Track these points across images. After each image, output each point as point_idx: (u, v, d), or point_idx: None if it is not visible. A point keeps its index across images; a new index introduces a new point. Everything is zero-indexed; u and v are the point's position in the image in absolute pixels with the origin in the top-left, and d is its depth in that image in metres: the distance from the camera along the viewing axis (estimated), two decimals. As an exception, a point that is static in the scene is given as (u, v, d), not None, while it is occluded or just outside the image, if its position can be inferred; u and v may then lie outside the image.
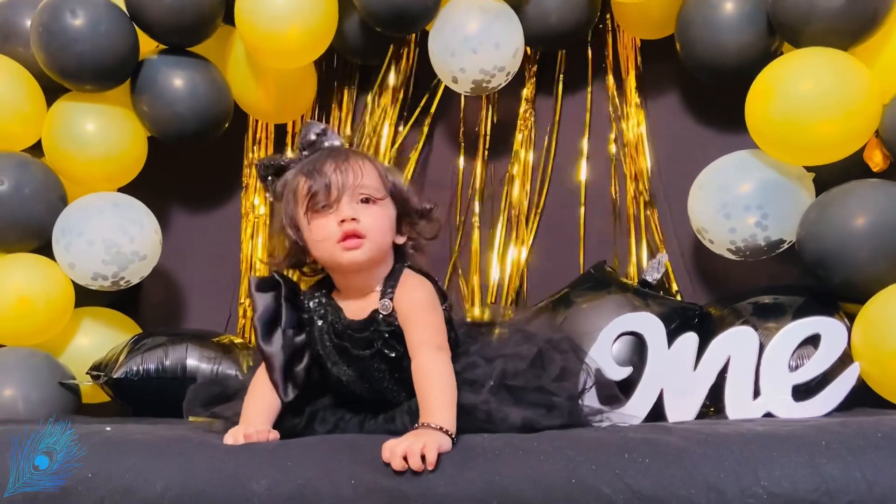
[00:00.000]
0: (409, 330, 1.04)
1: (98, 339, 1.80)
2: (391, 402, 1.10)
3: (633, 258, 1.83)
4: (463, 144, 1.94)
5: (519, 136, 1.91)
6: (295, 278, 1.15)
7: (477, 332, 1.19)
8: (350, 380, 1.09)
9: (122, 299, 1.91)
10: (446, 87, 1.77)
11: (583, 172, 1.89)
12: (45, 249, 1.72)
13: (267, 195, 1.14)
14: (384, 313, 1.06)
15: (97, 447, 0.98)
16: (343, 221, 1.04)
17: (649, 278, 1.72)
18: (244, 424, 1.03)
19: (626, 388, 1.40)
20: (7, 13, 1.78)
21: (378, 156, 1.92)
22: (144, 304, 2.00)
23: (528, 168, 1.91)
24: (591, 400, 1.21)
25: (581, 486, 0.84)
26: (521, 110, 1.92)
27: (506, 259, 1.89)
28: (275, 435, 1.02)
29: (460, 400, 1.01)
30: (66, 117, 1.74)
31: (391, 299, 1.06)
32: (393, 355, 1.06)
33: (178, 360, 1.64)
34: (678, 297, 1.76)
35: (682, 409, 1.36)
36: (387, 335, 1.06)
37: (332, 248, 1.05)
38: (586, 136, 1.90)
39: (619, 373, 1.42)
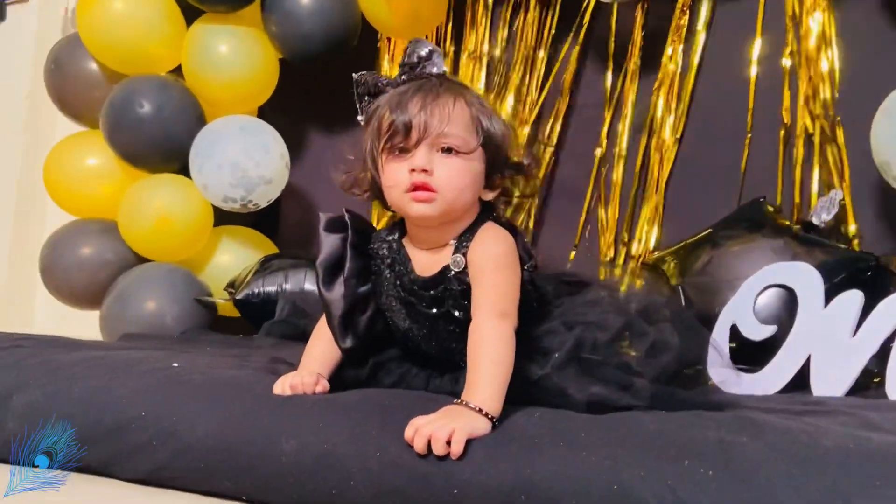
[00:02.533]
0: (476, 288, 0.93)
1: (237, 258, 1.87)
2: (458, 362, 1.00)
3: (801, 195, 1.56)
4: (612, 60, 1.73)
5: (671, 49, 1.66)
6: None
7: (566, 291, 1.05)
8: (416, 336, 1.01)
9: (263, 219, 1.95)
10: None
11: (747, 90, 1.62)
12: (188, 170, 1.78)
13: (359, 117, 1.03)
14: (456, 270, 0.95)
15: (156, 385, 0.99)
16: (413, 171, 0.93)
17: (817, 220, 1.47)
18: (298, 371, 0.99)
19: (769, 349, 1.24)
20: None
21: (513, 75, 1.75)
22: (283, 224, 2.04)
23: (678, 86, 1.67)
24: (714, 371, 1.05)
25: (623, 495, 0.71)
26: (677, 18, 1.66)
27: (650, 192, 1.68)
28: (323, 385, 0.96)
29: (527, 371, 0.90)
30: (202, 39, 1.77)
31: (465, 254, 0.95)
32: (461, 316, 0.95)
33: (297, 285, 1.65)
34: (854, 245, 1.48)
35: (832, 380, 1.21)
36: (458, 294, 0.95)
37: (401, 196, 0.94)
38: (755, 45, 1.62)
39: (760, 332, 1.29)
